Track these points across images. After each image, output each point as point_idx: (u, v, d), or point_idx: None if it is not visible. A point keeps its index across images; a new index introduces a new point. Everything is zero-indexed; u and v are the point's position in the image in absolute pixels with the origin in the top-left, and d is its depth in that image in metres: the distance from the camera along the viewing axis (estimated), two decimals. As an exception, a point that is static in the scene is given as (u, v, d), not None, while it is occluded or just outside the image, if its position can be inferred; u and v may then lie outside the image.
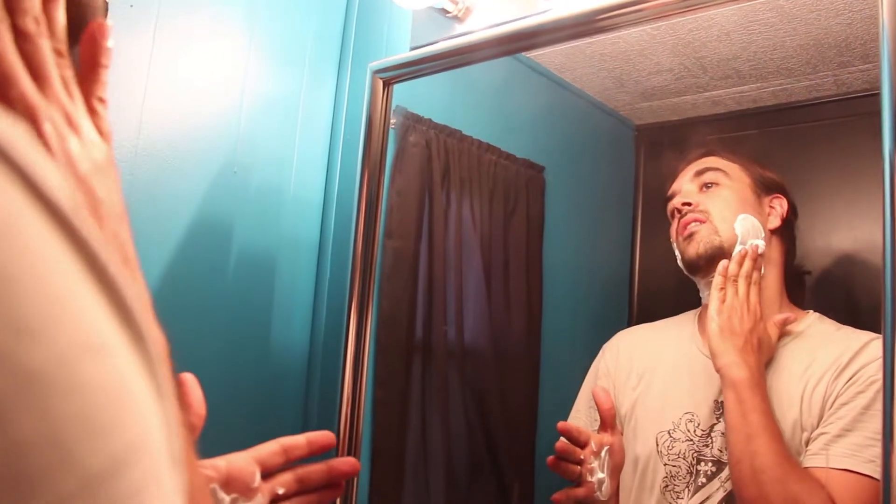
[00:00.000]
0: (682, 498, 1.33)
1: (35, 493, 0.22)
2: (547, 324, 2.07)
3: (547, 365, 2.04)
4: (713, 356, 1.26)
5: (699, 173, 1.44)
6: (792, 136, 2.12)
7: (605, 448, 1.27)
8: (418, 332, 1.70)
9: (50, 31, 0.41)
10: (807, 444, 1.21)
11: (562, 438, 1.27)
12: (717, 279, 1.30)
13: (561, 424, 1.27)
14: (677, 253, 1.45)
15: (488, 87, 1.95)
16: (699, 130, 2.22)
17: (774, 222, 1.40)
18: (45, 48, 0.40)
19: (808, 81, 1.97)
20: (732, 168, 1.43)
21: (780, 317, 1.31)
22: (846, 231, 1.95)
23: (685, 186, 1.46)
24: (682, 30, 1.78)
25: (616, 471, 1.31)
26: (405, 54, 1.36)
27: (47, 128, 0.39)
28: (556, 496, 1.28)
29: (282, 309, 1.58)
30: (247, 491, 0.71)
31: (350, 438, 1.33)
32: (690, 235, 1.40)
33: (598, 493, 1.26)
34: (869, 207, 1.84)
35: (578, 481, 1.25)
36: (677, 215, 1.45)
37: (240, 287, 1.50)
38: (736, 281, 1.29)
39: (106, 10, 0.50)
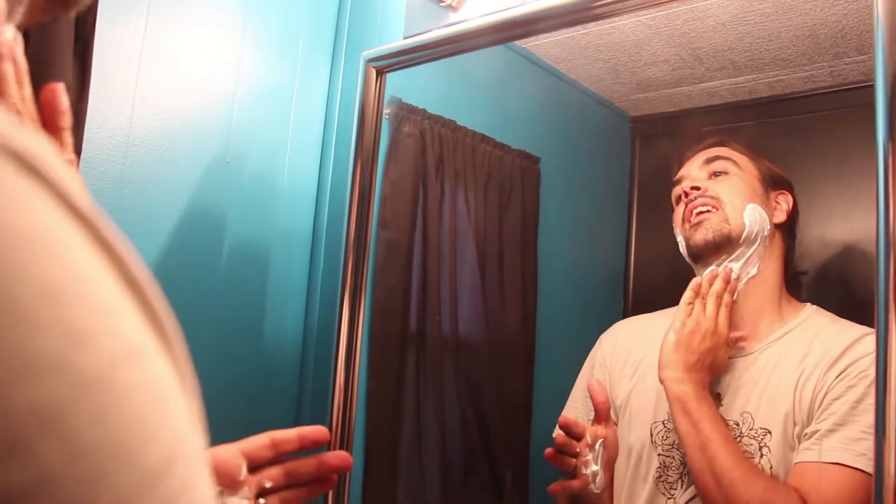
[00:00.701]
0: (676, 489, 1.33)
1: (99, 493, 0.23)
2: (542, 315, 2.06)
3: (542, 355, 2.04)
4: (660, 367, 1.27)
5: (709, 161, 1.43)
6: (788, 127, 2.12)
7: (600, 441, 1.27)
8: (412, 323, 1.70)
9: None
10: (799, 438, 1.21)
11: (561, 432, 1.27)
12: (687, 293, 1.31)
13: (562, 419, 1.27)
14: (681, 239, 1.43)
15: (483, 78, 1.94)
16: (695, 122, 2.22)
17: (780, 217, 1.40)
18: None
19: (804, 72, 1.97)
20: (742, 159, 1.42)
21: (733, 335, 1.31)
22: (842, 222, 1.95)
23: (694, 172, 1.44)
24: (677, 20, 1.78)
25: (610, 463, 1.31)
26: (398, 43, 1.35)
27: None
28: (552, 488, 1.28)
29: (275, 300, 1.58)
30: (232, 484, 0.69)
31: (343, 429, 1.32)
32: (700, 222, 1.38)
33: (592, 485, 1.26)
34: (864, 199, 1.84)
35: (574, 473, 1.25)
36: (684, 199, 1.42)
37: (233, 277, 1.49)
38: (705, 299, 1.29)
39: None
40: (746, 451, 1.26)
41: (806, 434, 1.21)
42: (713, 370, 1.27)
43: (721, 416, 1.22)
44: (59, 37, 1.10)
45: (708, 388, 1.25)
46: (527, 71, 2.09)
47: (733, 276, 1.33)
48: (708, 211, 1.38)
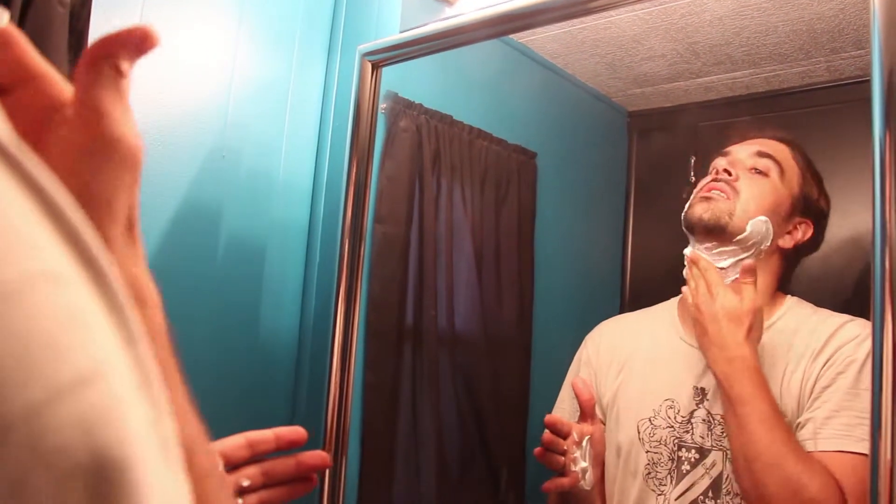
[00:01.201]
0: (666, 485, 1.34)
1: (5, 399, 0.23)
2: (538, 310, 2.06)
3: (538, 350, 2.04)
4: (703, 350, 1.26)
5: (760, 154, 1.39)
6: (784, 122, 2.12)
7: (587, 438, 1.28)
8: (408, 317, 1.70)
9: None
10: (794, 430, 1.22)
11: (547, 430, 1.27)
12: (686, 272, 1.32)
13: (547, 417, 1.28)
14: (686, 207, 1.42)
15: (480, 73, 1.94)
16: (692, 117, 2.22)
17: (786, 242, 1.38)
18: None
19: (801, 67, 1.97)
20: (793, 170, 1.39)
21: (740, 279, 1.29)
22: (839, 218, 1.95)
23: (740, 154, 1.41)
24: (674, 15, 1.77)
25: (598, 459, 1.31)
26: (394, 37, 1.35)
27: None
28: (546, 486, 1.29)
29: (271, 294, 1.58)
30: None
31: (338, 422, 1.33)
32: (707, 198, 1.37)
33: (582, 481, 1.27)
34: (861, 194, 1.84)
35: (563, 471, 1.26)
36: (713, 175, 1.41)
37: (229, 271, 1.49)
38: (704, 276, 1.29)
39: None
40: None
41: (799, 424, 1.21)
42: (754, 335, 1.24)
43: (761, 395, 1.18)
44: (54, 30, 1.10)
45: (754, 359, 1.21)
46: (523, 66, 2.09)
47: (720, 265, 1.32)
48: (723, 191, 1.37)
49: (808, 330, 1.29)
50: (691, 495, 1.30)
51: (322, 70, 1.70)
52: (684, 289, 1.32)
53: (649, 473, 1.36)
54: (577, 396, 1.30)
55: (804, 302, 1.38)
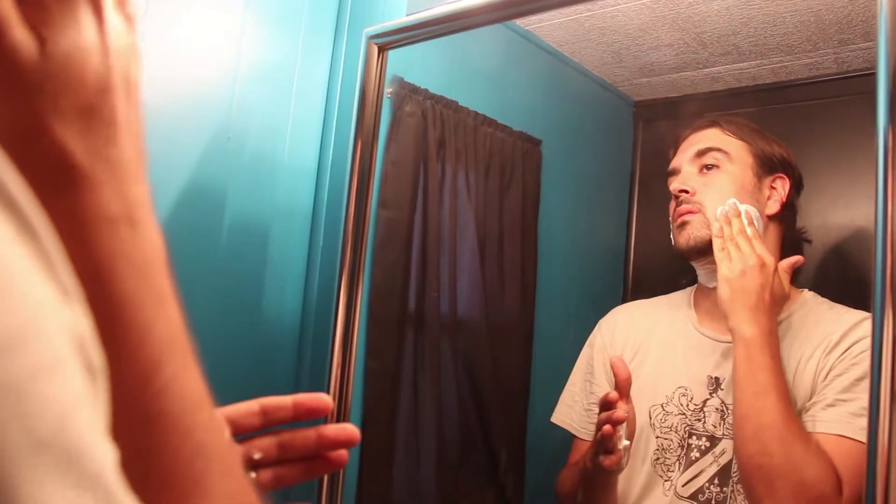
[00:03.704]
0: (674, 471, 1.35)
1: None
2: (541, 297, 2.07)
3: (540, 337, 2.05)
4: (726, 318, 1.25)
5: (700, 154, 1.42)
6: (791, 113, 2.12)
7: (625, 422, 1.27)
8: (411, 302, 1.70)
9: None
10: (799, 414, 1.22)
11: (618, 409, 1.24)
12: (716, 242, 1.30)
13: (612, 394, 1.25)
14: (671, 236, 1.45)
15: (486, 60, 1.94)
16: (698, 107, 2.22)
17: (773, 207, 1.39)
18: None
19: (809, 59, 1.96)
20: (735, 146, 1.40)
21: (787, 262, 1.30)
22: (844, 209, 1.96)
23: (685, 167, 1.43)
24: (682, 4, 1.77)
25: (631, 437, 1.31)
26: (400, 19, 1.34)
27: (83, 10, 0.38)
28: (608, 462, 1.25)
29: (274, 277, 1.58)
30: None
31: (339, 407, 1.33)
32: (682, 225, 1.40)
33: (623, 459, 1.26)
34: (867, 186, 1.84)
35: (612, 448, 1.25)
36: (674, 199, 1.44)
37: (232, 253, 1.49)
38: (734, 240, 1.28)
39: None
40: None
41: (806, 408, 1.22)
42: (777, 303, 1.26)
43: (781, 370, 1.20)
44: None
45: (776, 331, 1.23)
46: (530, 53, 2.09)
47: (741, 212, 1.32)
48: (690, 212, 1.39)
49: (824, 323, 1.30)
50: (698, 482, 1.31)
51: (328, 53, 1.70)
52: (716, 245, 1.31)
53: (658, 459, 1.37)
54: (615, 374, 1.28)
55: (820, 297, 1.39)
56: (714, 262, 1.34)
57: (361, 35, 1.39)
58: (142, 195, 0.42)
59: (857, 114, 1.87)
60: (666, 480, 1.35)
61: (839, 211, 1.97)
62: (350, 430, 0.70)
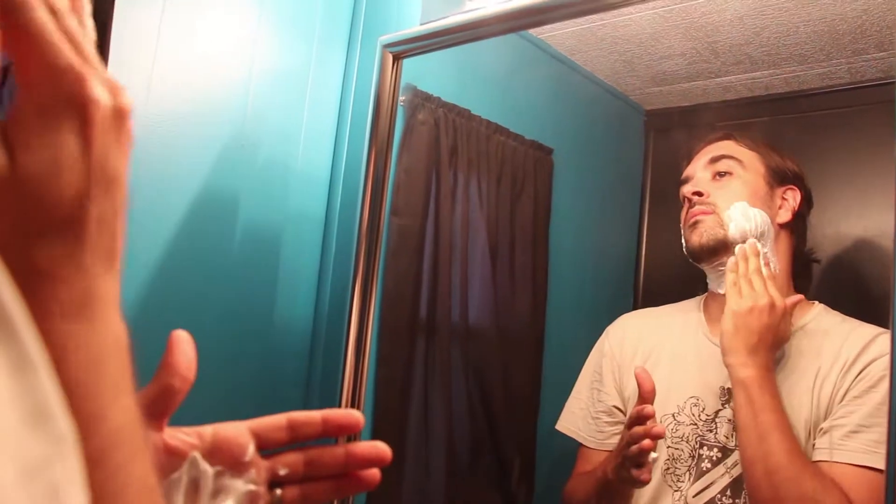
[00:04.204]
0: (684, 482, 1.34)
1: None
2: (552, 305, 2.07)
3: (551, 346, 2.05)
4: (724, 353, 1.25)
5: (714, 160, 1.43)
6: (804, 124, 2.11)
7: None
8: (422, 310, 1.70)
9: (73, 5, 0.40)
10: (814, 432, 1.22)
11: (654, 424, 1.23)
12: (729, 276, 1.29)
13: (649, 408, 1.23)
14: (683, 240, 1.45)
15: (498, 68, 1.94)
16: (710, 117, 2.21)
17: (784, 216, 1.39)
18: (74, 20, 0.39)
19: (822, 69, 1.95)
20: (748, 156, 1.42)
21: (790, 300, 1.29)
22: (857, 220, 1.95)
23: (699, 174, 1.44)
24: (694, 13, 1.77)
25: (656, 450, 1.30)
26: (415, 28, 1.35)
27: (98, 90, 0.38)
28: (646, 477, 1.24)
29: (286, 285, 1.58)
30: (235, 464, 0.61)
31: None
32: (695, 224, 1.40)
33: (649, 473, 1.25)
34: (881, 198, 1.84)
35: (644, 462, 1.24)
36: (687, 203, 1.45)
37: (244, 261, 1.49)
38: (748, 276, 1.27)
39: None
40: None
41: (822, 429, 1.21)
42: (777, 345, 1.25)
43: (782, 407, 1.20)
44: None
45: (773, 369, 1.23)
46: (542, 62, 2.09)
47: (760, 253, 1.32)
48: (703, 213, 1.39)
49: (838, 337, 1.30)
50: (709, 493, 1.31)
51: (342, 61, 1.70)
52: (728, 279, 1.30)
53: (668, 469, 1.36)
54: (640, 385, 1.26)
55: (830, 310, 1.38)
56: (725, 260, 1.35)
57: (375, 43, 1.39)
58: (106, 289, 0.41)
59: (870, 124, 1.86)
60: (675, 490, 1.35)
61: (852, 222, 1.96)
62: (381, 448, 0.69)
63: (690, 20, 1.80)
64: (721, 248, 1.36)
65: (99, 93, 0.39)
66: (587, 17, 1.86)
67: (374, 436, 1.60)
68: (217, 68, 1.44)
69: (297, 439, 0.66)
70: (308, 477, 0.66)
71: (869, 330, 1.28)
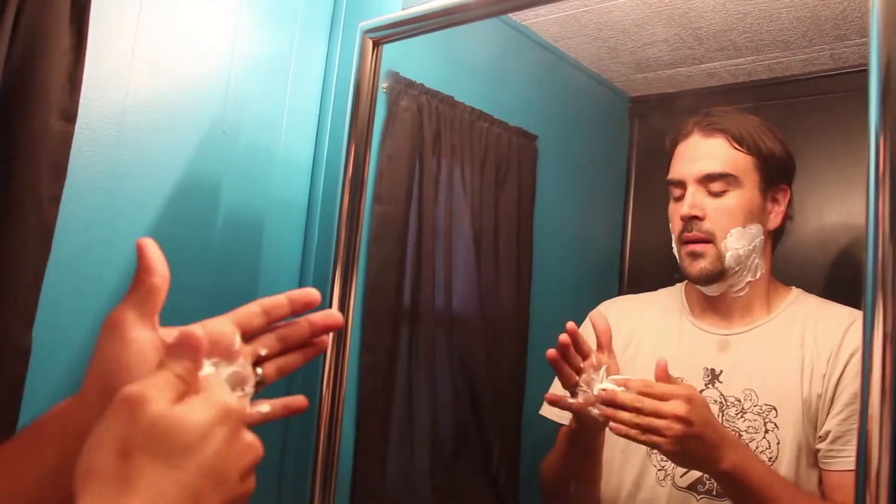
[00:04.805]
0: (668, 461, 1.35)
1: None
2: (536, 292, 2.07)
3: (535, 332, 2.05)
4: (703, 465, 1.17)
5: (710, 179, 1.37)
6: (787, 109, 2.12)
7: (604, 367, 1.23)
8: (406, 298, 1.70)
9: None
10: (815, 424, 1.24)
11: (564, 335, 1.19)
12: (631, 432, 1.12)
13: (571, 324, 1.18)
14: (677, 257, 1.42)
15: (482, 55, 1.94)
16: (694, 103, 2.22)
17: (774, 222, 1.39)
18: None
19: (804, 55, 1.96)
20: (743, 165, 1.37)
21: (658, 372, 1.18)
22: (838, 206, 1.96)
23: (691, 188, 1.39)
24: (677, 0, 1.77)
25: None
26: (396, 13, 1.34)
27: None
28: (549, 396, 1.21)
29: (268, 270, 1.58)
30: (228, 354, 0.69)
31: (333, 401, 1.33)
32: (694, 256, 1.37)
33: (592, 408, 1.16)
34: (862, 184, 1.84)
35: (574, 390, 1.20)
36: (682, 222, 1.39)
37: (226, 248, 1.49)
38: (642, 413, 1.12)
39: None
40: (751, 427, 1.28)
41: (830, 434, 1.23)
42: (711, 421, 1.14)
43: (768, 471, 1.16)
44: (56, 1, 1.10)
45: (736, 439, 1.15)
46: (526, 49, 2.09)
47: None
48: (703, 242, 1.36)
49: (819, 321, 1.31)
50: (696, 472, 1.31)
51: (324, 46, 1.69)
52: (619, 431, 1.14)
53: (652, 449, 1.37)
54: (595, 326, 1.24)
55: (807, 293, 1.40)
56: (722, 283, 1.36)
57: (356, 28, 1.38)
58: None
59: (852, 110, 1.86)
60: (660, 470, 1.36)
61: (834, 207, 1.97)
62: (334, 314, 0.82)
63: (674, 6, 1.80)
64: (719, 277, 1.35)
65: (241, 425, 0.59)
66: (571, 4, 1.86)
67: (359, 422, 1.60)
68: (198, 54, 1.44)
69: (271, 321, 0.76)
70: (281, 351, 0.77)
71: (847, 312, 1.30)
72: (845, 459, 1.21)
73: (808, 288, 1.42)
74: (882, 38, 0.86)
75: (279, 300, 0.77)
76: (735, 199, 1.36)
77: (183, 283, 1.48)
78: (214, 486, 0.53)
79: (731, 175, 1.36)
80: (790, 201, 1.41)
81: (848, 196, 1.96)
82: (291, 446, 1.60)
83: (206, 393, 0.57)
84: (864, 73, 0.88)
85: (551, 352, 1.19)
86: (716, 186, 1.37)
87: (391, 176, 1.67)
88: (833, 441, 1.23)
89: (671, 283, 1.58)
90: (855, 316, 1.28)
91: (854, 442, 1.18)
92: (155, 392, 0.53)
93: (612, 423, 1.12)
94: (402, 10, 1.36)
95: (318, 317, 0.79)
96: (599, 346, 1.25)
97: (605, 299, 1.64)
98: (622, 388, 1.13)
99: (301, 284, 1.63)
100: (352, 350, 1.46)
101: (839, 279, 1.92)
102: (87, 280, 1.26)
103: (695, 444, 1.09)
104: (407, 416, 1.70)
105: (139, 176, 1.33)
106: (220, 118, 1.47)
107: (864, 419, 0.82)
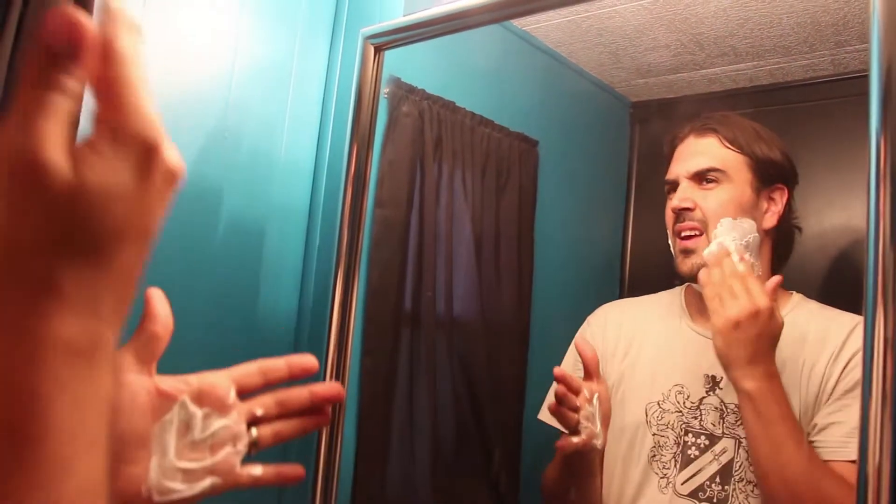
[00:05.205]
0: (669, 468, 1.35)
1: None
2: (537, 296, 2.07)
3: (536, 337, 2.05)
4: (724, 368, 1.21)
5: (699, 174, 1.39)
6: (788, 115, 2.12)
7: (595, 395, 1.25)
8: (407, 302, 1.70)
9: None
10: (807, 422, 1.23)
11: (559, 384, 1.22)
12: (706, 291, 1.24)
13: (557, 370, 1.21)
14: (672, 250, 1.43)
15: (483, 61, 1.94)
16: (695, 108, 2.22)
17: (771, 221, 1.37)
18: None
19: (805, 60, 1.96)
20: (733, 163, 1.38)
21: (769, 286, 1.26)
22: (840, 212, 1.96)
23: (684, 183, 1.41)
24: (678, 5, 1.77)
25: (606, 419, 1.29)
26: (397, 20, 1.34)
27: (168, 143, 0.44)
28: (561, 443, 1.23)
29: (270, 276, 1.58)
30: (221, 406, 0.69)
31: (334, 407, 1.33)
32: (686, 252, 1.38)
33: (595, 440, 1.23)
34: (863, 189, 1.84)
35: (575, 429, 1.23)
36: (673, 215, 1.41)
37: (228, 253, 1.49)
38: (726, 282, 1.22)
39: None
40: None
41: (819, 426, 1.22)
42: (774, 344, 1.20)
43: (792, 415, 1.17)
44: (58, 6, 1.10)
45: (777, 374, 1.18)
46: (527, 54, 2.09)
47: (730, 248, 1.29)
48: (695, 237, 1.37)
49: (820, 326, 1.30)
50: (697, 480, 1.31)
51: (325, 52, 1.70)
52: (707, 293, 1.24)
53: (654, 456, 1.37)
54: (580, 354, 1.27)
55: (808, 299, 1.39)
56: None
57: (358, 34, 1.39)
58: (110, 340, 0.42)
59: (853, 115, 1.86)
60: (662, 478, 1.36)
61: (835, 213, 1.97)
62: (337, 386, 0.84)
63: (675, 12, 1.80)
64: None
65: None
66: (572, 10, 1.87)
67: (360, 425, 1.60)
68: (199, 60, 1.44)
69: (268, 383, 0.76)
70: (278, 416, 0.76)
71: (849, 318, 1.29)
72: (824, 450, 1.20)
73: (809, 293, 1.41)
74: (882, 43, 0.86)
75: (277, 363, 0.77)
76: (725, 192, 1.37)
77: (185, 287, 1.49)
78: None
79: (719, 170, 1.37)
80: (788, 201, 1.40)
81: (849, 201, 1.96)
82: (292, 450, 1.60)
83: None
84: (864, 78, 0.88)
85: (552, 405, 1.22)
86: (706, 181, 1.38)
87: (392, 181, 1.67)
88: (818, 433, 1.22)
89: (672, 287, 1.58)
90: (856, 321, 1.27)
91: (837, 432, 1.19)
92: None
93: (701, 279, 1.25)
94: (404, 16, 1.36)
95: (321, 387, 0.79)
96: (588, 374, 1.27)
97: (607, 301, 1.64)
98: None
99: (303, 290, 1.64)
100: (353, 354, 1.46)
101: (840, 284, 1.92)
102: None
103: (744, 336, 1.17)
104: (408, 420, 1.70)
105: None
106: (221, 123, 1.47)
107: (864, 424, 0.82)
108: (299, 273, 1.64)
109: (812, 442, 1.22)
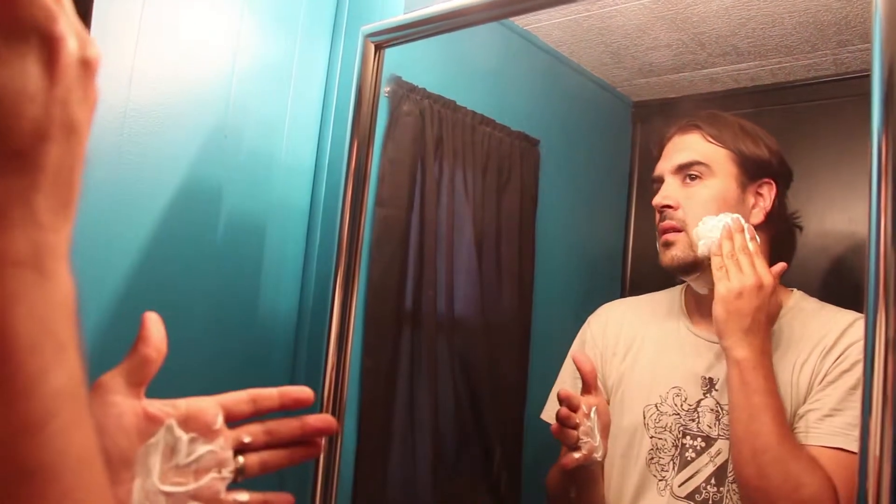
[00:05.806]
0: (668, 471, 1.35)
1: None
2: (539, 295, 2.07)
3: (538, 336, 2.05)
4: (719, 336, 1.25)
5: (683, 167, 1.40)
6: (789, 114, 2.12)
7: (593, 409, 1.26)
8: (408, 301, 1.70)
9: None
10: (794, 420, 1.23)
11: (562, 406, 1.24)
12: (714, 260, 1.28)
13: (563, 391, 1.24)
14: (657, 243, 1.44)
15: (484, 60, 1.94)
16: (696, 108, 2.22)
17: (758, 217, 1.37)
18: None
19: (807, 60, 1.96)
20: (717, 157, 1.38)
21: (775, 270, 1.28)
22: (841, 212, 1.96)
23: (668, 178, 1.42)
24: (680, 5, 1.77)
25: (605, 431, 1.30)
26: (397, 17, 1.34)
27: (67, 30, 0.38)
28: (566, 462, 1.24)
29: (270, 275, 1.58)
30: (207, 432, 0.68)
31: (334, 405, 1.33)
32: (666, 245, 1.39)
33: (595, 454, 1.24)
34: (865, 189, 1.84)
35: (576, 445, 1.24)
36: (658, 212, 1.43)
37: (228, 252, 1.49)
38: (734, 255, 1.27)
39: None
40: None
41: (799, 414, 1.22)
42: (771, 322, 1.25)
43: (776, 390, 1.20)
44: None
45: (769, 350, 1.22)
46: (528, 53, 2.09)
47: (745, 227, 1.31)
48: (674, 230, 1.38)
49: (817, 323, 1.31)
50: (695, 482, 1.31)
51: (326, 51, 1.69)
52: (715, 262, 1.29)
53: (652, 459, 1.37)
54: (579, 368, 1.28)
55: (808, 296, 1.39)
56: (700, 274, 1.36)
57: (359, 33, 1.38)
58: (58, 244, 0.40)
59: (855, 115, 1.87)
60: (660, 480, 1.36)
61: (836, 212, 1.97)
62: (328, 418, 0.78)
63: (676, 12, 1.80)
64: (692, 267, 1.36)
65: (67, 32, 0.39)
66: (573, 9, 1.86)
67: (360, 425, 1.60)
68: (200, 58, 1.44)
69: (258, 412, 0.74)
70: (267, 445, 0.74)
71: (846, 315, 1.29)
72: (800, 434, 1.21)
73: (810, 292, 1.41)
74: (885, 43, 0.85)
75: (269, 392, 0.75)
76: (708, 189, 1.38)
77: (185, 287, 1.48)
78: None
79: (702, 163, 1.38)
80: (778, 196, 1.40)
81: (850, 201, 1.96)
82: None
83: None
84: (866, 78, 0.88)
85: (555, 427, 1.23)
86: (689, 176, 1.39)
87: (393, 180, 1.67)
88: (798, 420, 1.23)
89: (672, 286, 1.58)
90: (854, 318, 1.28)
91: (812, 417, 1.21)
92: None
93: (713, 257, 1.29)
94: (405, 14, 1.36)
95: (313, 418, 0.77)
96: (586, 388, 1.27)
97: (608, 301, 1.64)
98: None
99: (303, 289, 1.63)
100: (353, 353, 1.46)
101: (841, 285, 1.92)
102: (88, 285, 1.26)
103: (744, 306, 1.22)
104: (409, 419, 1.69)
105: (141, 181, 1.33)
106: (222, 123, 1.47)
107: (865, 425, 0.82)
108: (299, 272, 1.64)
109: (794, 429, 1.23)
